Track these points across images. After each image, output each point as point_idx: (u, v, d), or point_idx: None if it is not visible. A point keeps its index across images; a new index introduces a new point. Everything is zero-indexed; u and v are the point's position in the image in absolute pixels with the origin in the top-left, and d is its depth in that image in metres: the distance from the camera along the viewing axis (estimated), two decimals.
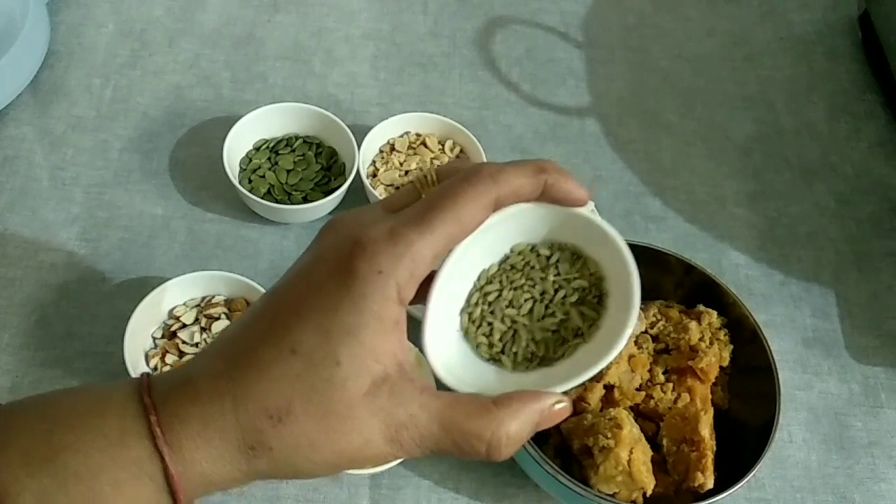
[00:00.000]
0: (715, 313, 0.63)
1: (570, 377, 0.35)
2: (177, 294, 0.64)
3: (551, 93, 0.88)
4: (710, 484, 0.55)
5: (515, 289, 0.38)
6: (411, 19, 0.91)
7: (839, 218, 0.82)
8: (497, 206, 0.34)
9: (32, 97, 0.77)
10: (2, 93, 0.73)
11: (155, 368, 0.62)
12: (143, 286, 0.63)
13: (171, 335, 0.63)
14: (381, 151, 0.76)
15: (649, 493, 0.55)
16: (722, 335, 0.62)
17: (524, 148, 0.82)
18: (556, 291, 0.38)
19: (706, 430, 0.57)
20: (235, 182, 0.69)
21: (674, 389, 0.60)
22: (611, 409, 0.56)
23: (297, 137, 0.75)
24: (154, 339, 0.63)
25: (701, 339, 0.61)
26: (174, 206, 0.73)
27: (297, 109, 0.75)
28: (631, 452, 0.54)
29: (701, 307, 0.63)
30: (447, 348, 0.37)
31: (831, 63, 0.95)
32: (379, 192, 0.73)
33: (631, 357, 0.59)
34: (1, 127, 0.75)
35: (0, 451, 0.31)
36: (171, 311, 0.64)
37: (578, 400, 0.58)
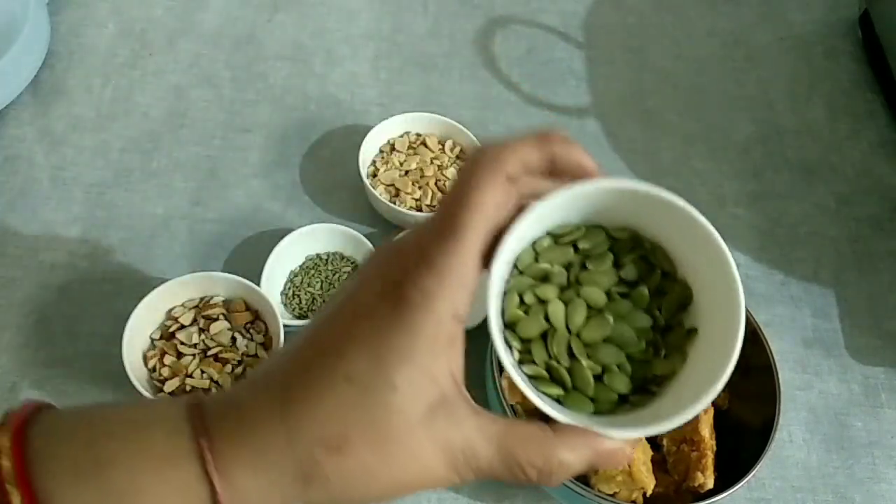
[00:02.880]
0: None
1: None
2: (175, 295, 0.64)
3: (551, 93, 0.88)
4: (710, 484, 0.55)
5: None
6: (411, 19, 0.91)
7: (839, 218, 0.82)
8: (509, 181, 0.32)
9: (32, 97, 0.77)
10: (2, 93, 0.73)
11: (153, 369, 0.62)
12: (142, 286, 0.63)
13: (169, 336, 0.63)
14: (381, 151, 0.76)
15: (649, 493, 0.55)
16: None
17: None
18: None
19: (706, 430, 0.57)
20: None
21: None
22: None
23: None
24: (152, 339, 0.63)
25: None
26: (174, 206, 0.73)
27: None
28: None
29: None
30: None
31: (831, 63, 0.95)
32: (379, 192, 0.73)
33: None
34: (1, 127, 0.75)
35: (47, 459, 0.30)
36: (169, 312, 0.64)
37: None
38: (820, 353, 0.73)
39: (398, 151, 0.76)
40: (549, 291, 0.34)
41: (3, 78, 0.73)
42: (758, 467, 0.55)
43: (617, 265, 0.35)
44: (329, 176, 0.77)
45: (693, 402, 0.32)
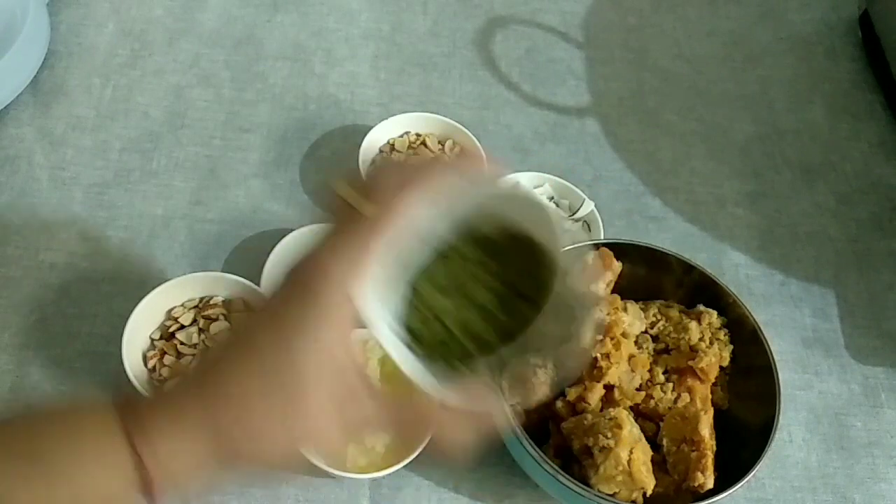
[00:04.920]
0: (715, 313, 0.63)
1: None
2: (175, 295, 0.64)
3: (551, 93, 0.88)
4: (710, 484, 0.55)
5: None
6: (411, 19, 0.91)
7: (839, 218, 0.82)
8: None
9: (32, 97, 0.77)
10: (2, 93, 0.73)
11: (153, 369, 0.62)
12: (142, 286, 0.63)
13: (169, 336, 0.63)
14: (381, 151, 0.76)
15: (649, 493, 0.55)
16: (722, 335, 0.62)
17: (524, 148, 0.82)
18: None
19: (706, 430, 0.57)
20: None
21: (674, 389, 0.60)
22: (611, 409, 0.56)
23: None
24: (152, 339, 0.63)
25: (701, 339, 0.61)
26: (174, 206, 0.73)
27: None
28: (631, 452, 0.54)
29: (701, 307, 0.63)
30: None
31: (831, 63, 0.95)
32: None
33: (631, 357, 0.59)
34: (1, 127, 0.75)
35: None
36: (169, 312, 0.64)
37: (579, 400, 0.58)
38: (820, 353, 0.73)
39: (398, 151, 0.76)
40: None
41: (3, 78, 0.73)
42: (758, 467, 0.55)
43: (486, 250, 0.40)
44: (329, 176, 0.77)
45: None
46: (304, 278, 0.35)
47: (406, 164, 0.39)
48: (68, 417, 0.36)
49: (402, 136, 0.77)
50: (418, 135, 0.77)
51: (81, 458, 0.34)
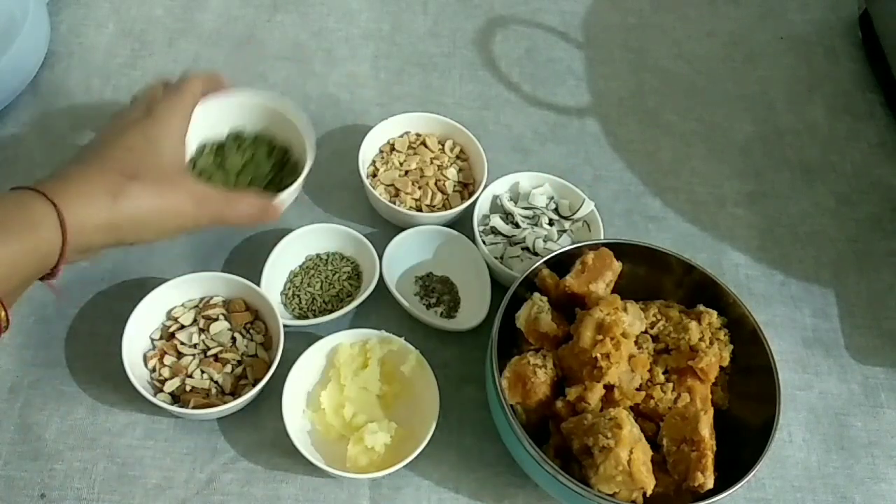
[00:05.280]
0: (715, 313, 0.63)
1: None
2: (175, 295, 0.64)
3: (551, 93, 0.88)
4: (710, 484, 0.55)
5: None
6: (411, 19, 0.91)
7: (839, 218, 0.82)
8: None
9: (32, 97, 0.77)
10: (2, 93, 0.73)
11: (153, 369, 0.62)
12: (142, 286, 0.63)
13: (169, 336, 0.63)
14: (381, 151, 0.76)
15: (649, 493, 0.55)
16: (722, 335, 0.62)
17: (524, 148, 0.82)
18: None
19: (706, 430, 0.57)
20: None
21: (674, 389, 0.60)
22: (611, 409, 0.56)
23: (243, 135, 0.66)
24: (152, 339, 0.63)
25: (701, 339, 0.61)
26: None
27: (240, 103, 0.65)
28: (631, 452, 0.54)
29: (701, 307, 0.63)
30: None
31: (831, 63, 0.95)
32: (379, 192, 0.73)
33: (631, 357, 0.59)
34: (1, 127, 0.75)
35: None
36: (169, 312, 0.64)
37: (578, 400, 0.58)
38: (820, 353, 0.73)
39: (398, 151, 0.76)
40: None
41: (3, 78, 0.73)
42: (758, 467, 0.55)
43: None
44: (329, 176, 0.77)
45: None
46: (147, 111, 0.55)
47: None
48: None
49: (402, 136, 0.77)
50: (418, 135, 0.77)
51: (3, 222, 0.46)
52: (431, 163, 0.75)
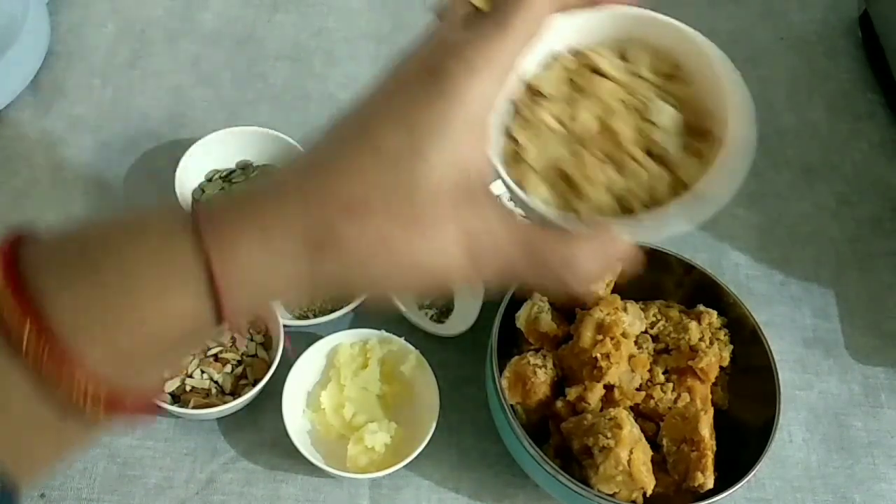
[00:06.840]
0: (715, 313, 0.63)
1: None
2: None
3: None
4: (710, 484, 0.55)
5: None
6: (412, 19, 0.91)
7: (839, 218, 0.82)
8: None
9: (32, 97, 0.77)
10: (2, 93, 0.73)
11: None
12: None
13: None
14: None
15: (649, 493, 0.55)
16: (722, 335, 0.62)
17: None
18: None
19: (706, 430, 0.57)
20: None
21: (674, 389, 0.60)
22: (611, 409, 0.56)
23: (251, 166, 0.72)
24: None
25: (701, 339, 0.61)
26: None
27: (251, 135, 0.72)
28: (631, 452, 0.54)
29: (701, 307, 0.63)
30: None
31: (831, 63, 0.95)
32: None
33: (631, 357, 0.59)
34: (1, 127, 0.75)
35: (40, 269, 0.28)
36: None
37: (578, 400, 0.58)
38: (820, 353, 0.73)
39: None
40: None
41: (3, 78, 0.73)
42: (758, 467, 0.55)
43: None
44: None
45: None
46: (440, 63, 0.30)
47: None
48: (132, 225, 0.30)
49: None
50: None
51: (139, 267, 0.28)
52: None
